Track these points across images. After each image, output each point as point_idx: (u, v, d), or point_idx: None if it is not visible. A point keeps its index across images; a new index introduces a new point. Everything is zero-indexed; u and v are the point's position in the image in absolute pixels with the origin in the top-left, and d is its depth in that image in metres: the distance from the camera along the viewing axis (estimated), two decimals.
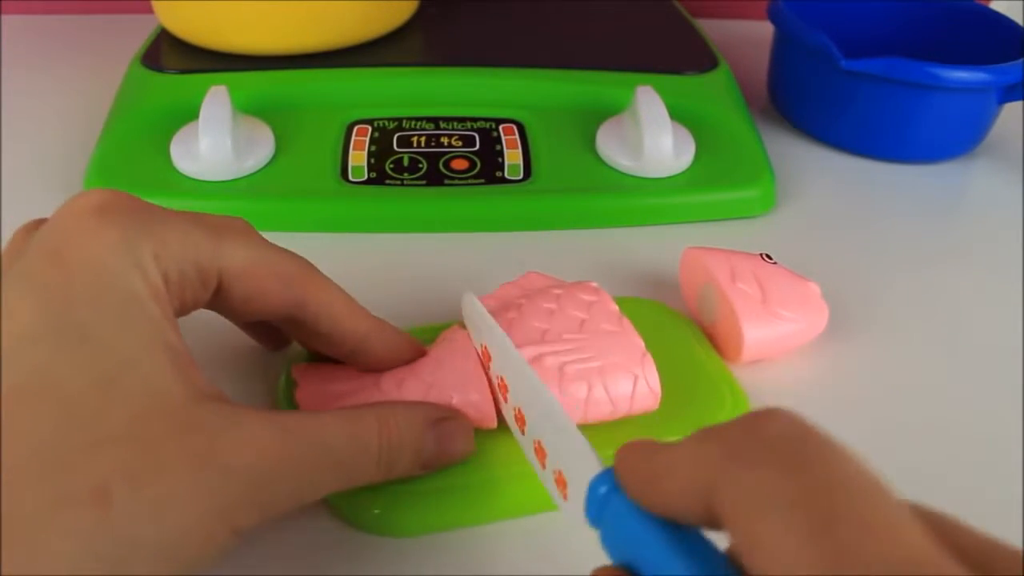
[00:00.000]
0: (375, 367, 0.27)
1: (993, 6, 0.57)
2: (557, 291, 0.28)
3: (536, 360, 0.26)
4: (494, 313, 0.27)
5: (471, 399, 0.26)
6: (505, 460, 0.26)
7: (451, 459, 0.25)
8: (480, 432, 0.26)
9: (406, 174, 0.39)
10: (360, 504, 0.25)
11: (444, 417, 0.25)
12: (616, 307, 0.27)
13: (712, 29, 0.55)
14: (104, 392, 0.19)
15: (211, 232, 0.23)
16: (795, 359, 0.32)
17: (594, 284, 0.28)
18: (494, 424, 0.26)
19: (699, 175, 0.41)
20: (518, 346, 0.26)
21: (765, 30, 0.51)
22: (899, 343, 0.34)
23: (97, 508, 0.18)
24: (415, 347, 0.27)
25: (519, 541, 0.25)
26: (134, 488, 0.18)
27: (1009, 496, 0.27)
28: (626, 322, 0.27)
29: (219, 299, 0.24)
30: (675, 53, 0.49)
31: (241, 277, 0.23)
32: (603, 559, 0.19)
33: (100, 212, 0.21)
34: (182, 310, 0.23)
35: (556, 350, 0.26)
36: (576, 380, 0.26)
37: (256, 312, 0.24)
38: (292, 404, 0.27)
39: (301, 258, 0.25)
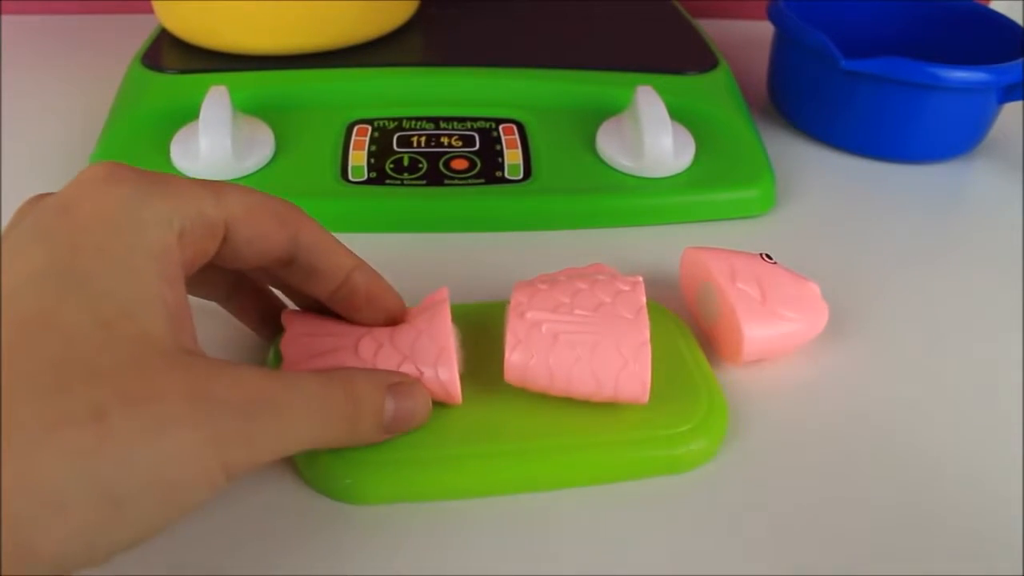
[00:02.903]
0: (360, 309, 0.28)
1: (993, 6, 0.57)
2: (600, 276, 0.29)
3: (535, 325, 0.27)
4: (538, 283, 0.28)
5: (440, 376, 0.27)
6: (471, 437, 0.27)
7: (410, 423, 0.26)
8: (453, 409, 0.27)
9: (406, 174, 0.39)
10: (332, 472, 0.26)
11: (400, 382, 0.26)
12: (644, 300, 0.28)
13: (712, 29, 0.55)
14: (103, 333, 0.20)
15: (212, 187, 0.24)
16: (795, 359, 0.32)
17: (639, 279, 0.28)
18: (459, 401, 0.27)
19: (699, 175, 0.41)
20: (529, 309, 0.27)
21: (765, 30, 0.52)
22: (899, 343, 0.34)
23: (94, 427, 0.18)
24: (395, 292, 0.29)
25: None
26: (130, 410, 0.19)
27: (1009, 495, 0.27)
28: (643, 316, 0.27)
29: (225, 249, 0.25)
30: (675, 53, 0.49)
31: (244, 221, 0.24)
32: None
33: (110, 175, 0.22)
34: (194, 261, 0.24)
35: (558, 320, 0.27)
36: (566, 347, 0.27)
37: (258, 254, 0.25)
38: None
39: (290, 202, 0.27)
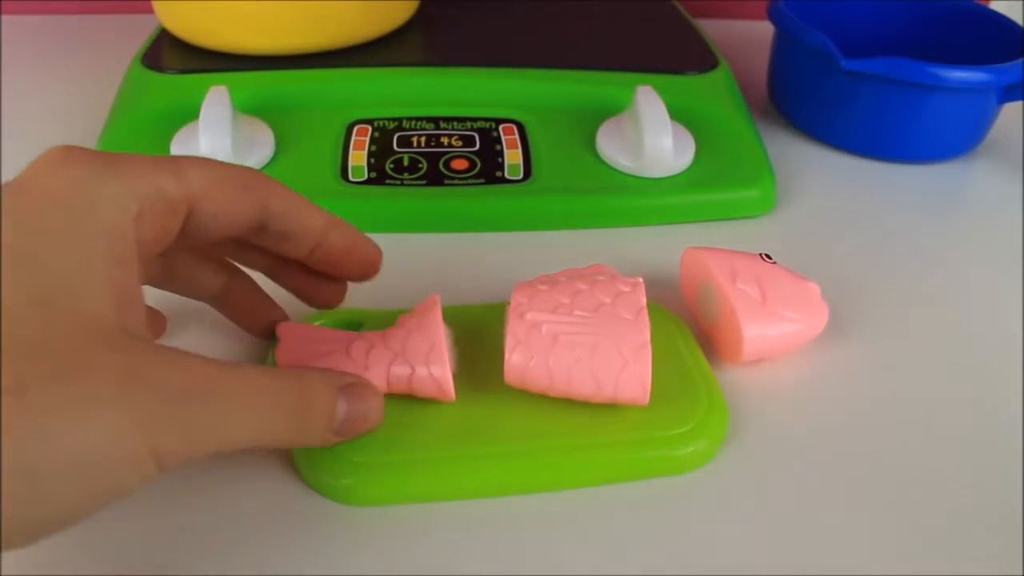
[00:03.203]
0: (339, 265, 0.28)
1: (993, 6, 0.57)
2: (600, 277, 0.29)
3: (534, 326, 0.27)
4: (538, 284, 0.28)
5: (433, 373, 0.27)
6: (471, 438, 0.27)
7: (361, 426, 0.25)
8: (454, 410, 0.27)
9: (406, 174, 0.39)
10: (332, 473, 0.26)
11: (353, 383, 0.25)
12: (644, 301, 0.28)
13: (712, 29, 0.55)
14: (40, 310, 0.19)
15: (171, 164, 0.24)
16: (795, 359, 0.32)
17: (640, 280, 0.28)
18: (452, 397, 0.27)
19: (699, 175, 0.41)
20: (529, 310, 0.27)
21: (765, 30, 0.52)
22: (899, 343, 0.34)
23: (12, 401, 0.18)
24: (371, 242, 0.29)
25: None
26: (55, 386, 0.18)
27: (1009, 495, 0.27)
28: (644, 317, 0.27)
29: (192, 225, 0.24)
30: (675, 53, 0.49)
31: (207, 196, 0.24)
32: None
33: (66, 157, 0.22)
34: (156, 240, 0.23)
35: (558, 320, 0.27)
36: (566, 348, 0.27)
37: (227, 226, 0.25)
38: None
39: (256, 169, 0.26)
